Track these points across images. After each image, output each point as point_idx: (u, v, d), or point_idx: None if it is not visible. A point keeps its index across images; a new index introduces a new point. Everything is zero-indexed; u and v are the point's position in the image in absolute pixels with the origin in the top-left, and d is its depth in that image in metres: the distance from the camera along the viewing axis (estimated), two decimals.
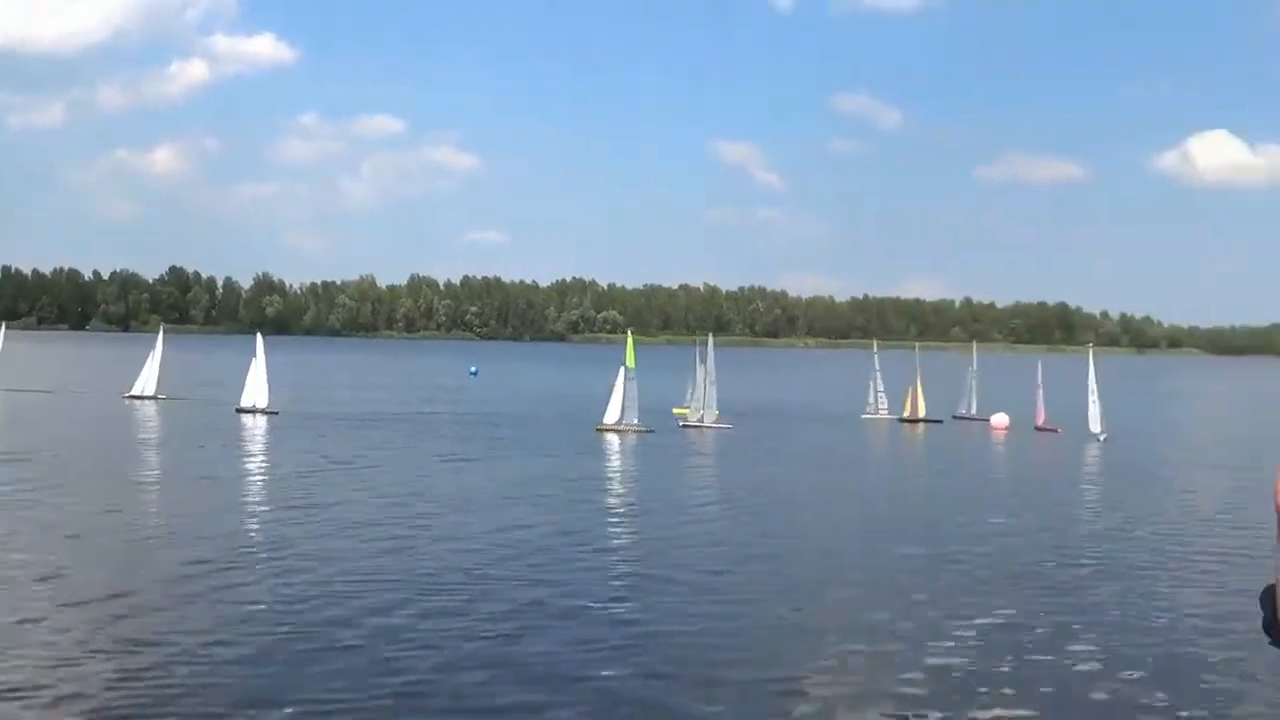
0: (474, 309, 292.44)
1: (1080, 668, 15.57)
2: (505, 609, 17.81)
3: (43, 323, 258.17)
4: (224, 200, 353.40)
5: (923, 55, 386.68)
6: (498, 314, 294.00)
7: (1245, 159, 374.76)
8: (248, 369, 52.42)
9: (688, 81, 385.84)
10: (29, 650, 14.86)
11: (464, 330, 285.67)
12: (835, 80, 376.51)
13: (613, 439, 45.89)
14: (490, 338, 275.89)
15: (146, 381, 57.95)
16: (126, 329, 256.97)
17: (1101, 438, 48.44)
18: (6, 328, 65.59)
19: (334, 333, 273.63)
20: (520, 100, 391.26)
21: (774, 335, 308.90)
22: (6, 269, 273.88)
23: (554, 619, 17.50)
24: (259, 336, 54.41)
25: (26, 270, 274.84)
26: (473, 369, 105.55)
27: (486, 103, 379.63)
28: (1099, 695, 14.52)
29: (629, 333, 55.70)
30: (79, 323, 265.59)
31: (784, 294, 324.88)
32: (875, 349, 61.11)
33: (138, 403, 56.50)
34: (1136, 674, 15.31)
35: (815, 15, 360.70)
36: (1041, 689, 14.65)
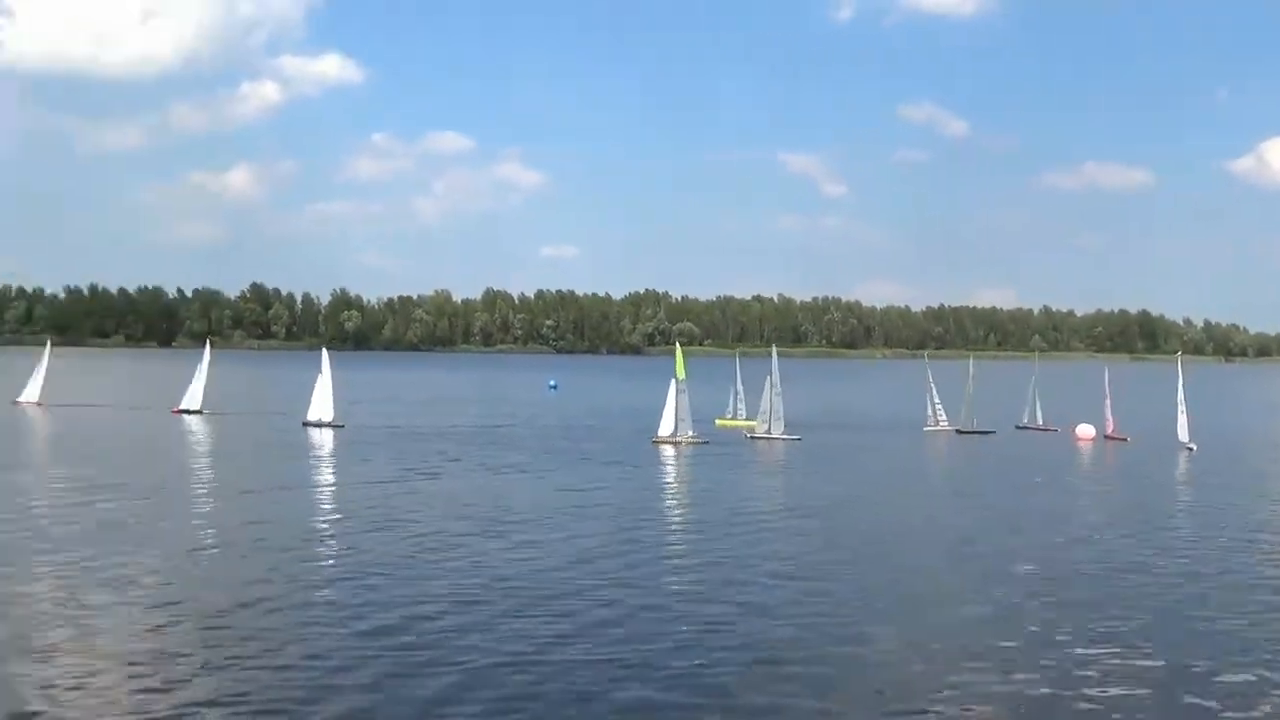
0: (550, 322, 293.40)
1: (1180, 676, 14.38)
2: (560, 622, 17.34)
3: (130, 340, 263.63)
4: (300, 218, 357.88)
5: (984, 63, 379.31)
6: (573, 327, 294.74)
7: None
8: (314, 383, 52.60)
9: (753, 93, 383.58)
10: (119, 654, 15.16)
11: (540, 343, 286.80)
12: (899, 89, 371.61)
13: (669, 451, 45.05)
14: (566, 351, 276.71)
15: (193, 397, 58.62)
16: (212, 345, 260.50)
17: (1191, 448, 46.40)
18: (52, 344, 67.01)
19: (412, 347, 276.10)
20: (586, 115, 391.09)
21: (850, 346, 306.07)
22: (94, 288, 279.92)
23: (611, 627, 17.19)
24: (324, 352, 54.58)
25: (114, 289, 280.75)
26: (552, 383, 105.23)
27: (553, 118, 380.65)
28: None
29: (678, 345, 54.84)
30: (165, 340, 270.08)
31: (858, 304, 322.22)
32: (927, 360, 60.28)
33: (188, 417, 56.79)
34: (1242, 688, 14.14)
35: (874, 25, 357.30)
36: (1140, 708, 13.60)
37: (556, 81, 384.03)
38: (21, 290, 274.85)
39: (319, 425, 50.67)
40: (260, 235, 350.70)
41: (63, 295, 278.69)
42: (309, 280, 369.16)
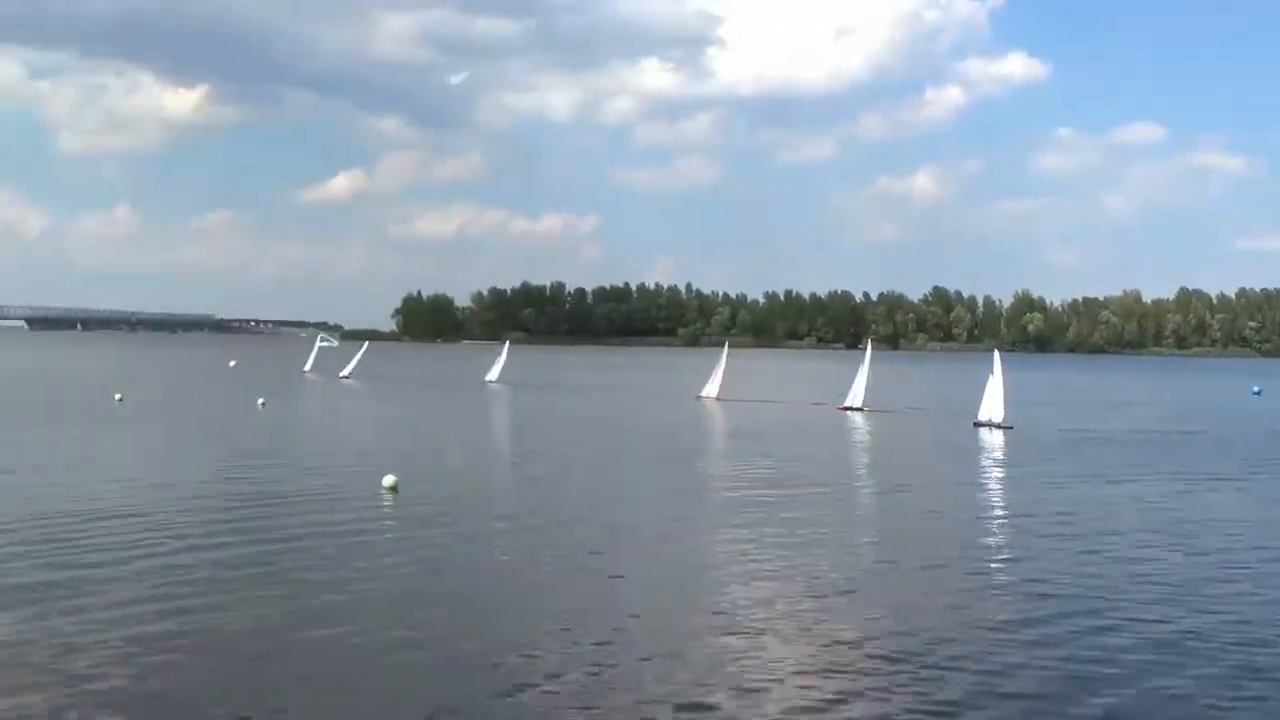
0: (1253, 323, 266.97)
1: None
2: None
3: (820, 342, 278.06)
4: (982, 219, 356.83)
5: None
6: None
7: None
8: (985, 385, 51.24)
9: None
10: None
11: (1241, 345, 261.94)
12: None
13: None
14: (1273, 354, 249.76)
15: (855, 395, 60.04)
16: (895, 347, 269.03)
17: None
18: (729, 347, 71.81)
19: (1097, 350, 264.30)
20: None
21: None
22: (789, 293, 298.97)
23: None
24: (996, 353, 53.53)
25: (806, 295, 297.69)
26: (1256, 389, 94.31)
27: (1255, 100, 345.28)
28: None
29: None
30: (852, 342, 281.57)
31: None
32: None
33: (851, 414, 57.95)
34: None
35: None
36: None
37: (1255, 61, 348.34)
38: (727, 296, 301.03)
39: (988, 425, 49.24)
40: (943, 236, 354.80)
41: (762, 300, 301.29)
42: (990, 281, 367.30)
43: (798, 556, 20.30)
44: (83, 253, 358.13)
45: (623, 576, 18.92)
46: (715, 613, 16.08)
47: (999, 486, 33.73)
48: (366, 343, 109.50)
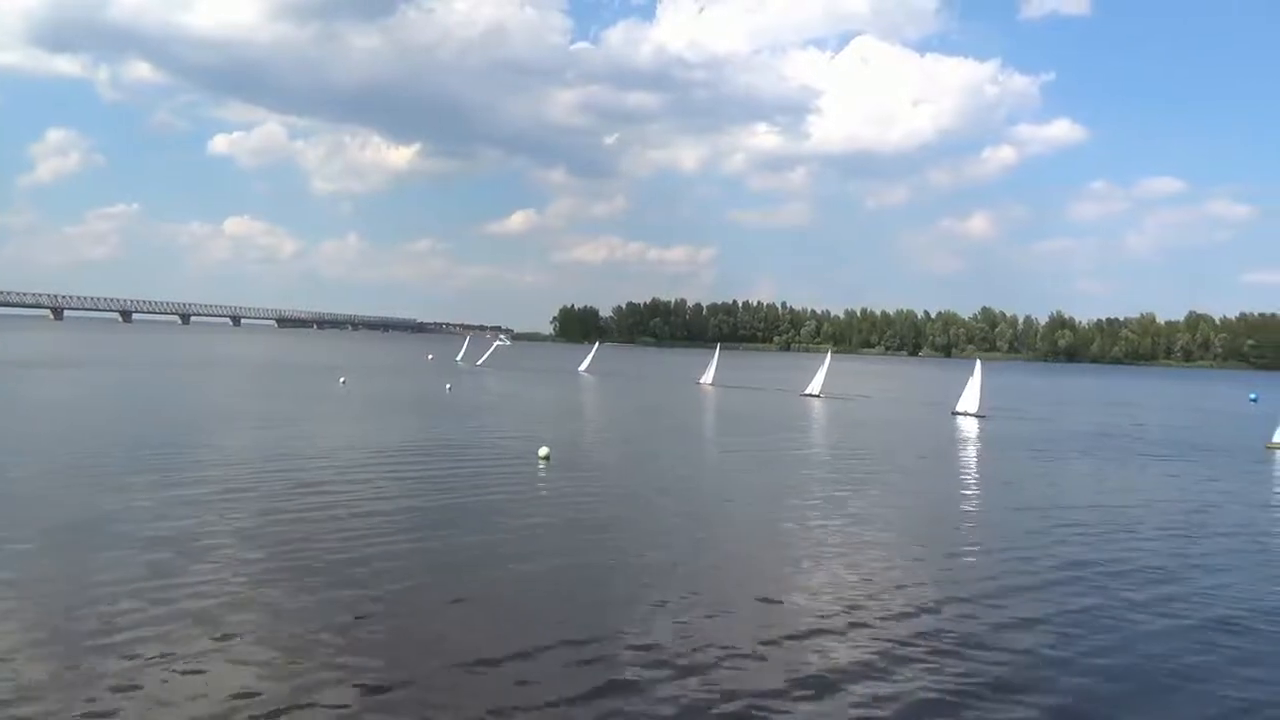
0: (1251, 342, 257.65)
1: None
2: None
3: (887, 350, 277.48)
4: (1025, 255, 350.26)
5: None
6: (1276, 349, 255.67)
7: None
8: (967, 383, 52.51)
9: None
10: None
11: (1239, 361, 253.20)
12: None
13: None
14: (1267, 368, 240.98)
15: (815, 384, 62.96)
16: (948, 356, 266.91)
17: None
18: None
19: (1116, 361, 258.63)
20: None
21: None
22: (864, 310, 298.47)
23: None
24: (977, 361, 55.12)
25: (876, 311, 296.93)
26: (1252, 395, 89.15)
27: (1265, 158, 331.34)
28: None
29: None
30: (913, 350, 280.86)
31: None
32: None
33: (811, 400, 60.32)
34: None
35: None
36: None
37: (1271, 126, 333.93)
38: (813, 311, 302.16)
39: (965, 414, 50.93)
40: (992, 268, 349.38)
41: (842, 315, 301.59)
42: (1030, 305, 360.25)
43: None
44: (321, 270, 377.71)
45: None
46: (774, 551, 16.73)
47: (970, 463, 33.54)
48: (498, 341, 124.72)
